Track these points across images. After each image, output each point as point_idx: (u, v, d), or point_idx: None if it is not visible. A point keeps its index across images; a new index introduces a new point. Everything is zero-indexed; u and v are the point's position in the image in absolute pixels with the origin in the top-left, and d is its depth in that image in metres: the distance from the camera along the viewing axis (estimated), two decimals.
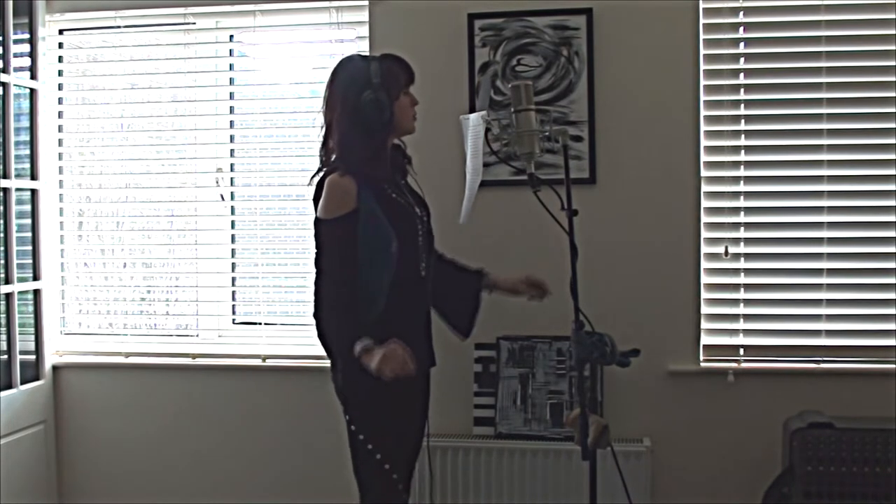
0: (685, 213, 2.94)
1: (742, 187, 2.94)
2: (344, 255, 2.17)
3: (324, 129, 2.32)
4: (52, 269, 3.32)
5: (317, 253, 2.29)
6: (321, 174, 2.28)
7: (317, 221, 2.25)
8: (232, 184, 3.29)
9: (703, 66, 2.92)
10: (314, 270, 2.31)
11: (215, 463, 3.24)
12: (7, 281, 3.10)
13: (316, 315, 2.32)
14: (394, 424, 2.25)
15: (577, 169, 2.90)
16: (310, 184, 2.31)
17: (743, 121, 2.94)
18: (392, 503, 2.23)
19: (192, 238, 3.34)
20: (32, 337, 3.26)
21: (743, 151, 2.94)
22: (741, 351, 2.96)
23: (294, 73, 3.25)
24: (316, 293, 2.32)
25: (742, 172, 2.94)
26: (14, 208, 3.13)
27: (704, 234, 2.95)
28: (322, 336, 2.31)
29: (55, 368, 3.33)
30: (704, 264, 2.95)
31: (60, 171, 3.37)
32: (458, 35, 3.01)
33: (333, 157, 2.28)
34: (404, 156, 2.40)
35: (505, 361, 2.96)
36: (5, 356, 3.11)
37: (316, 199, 2.27)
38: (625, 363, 2.05)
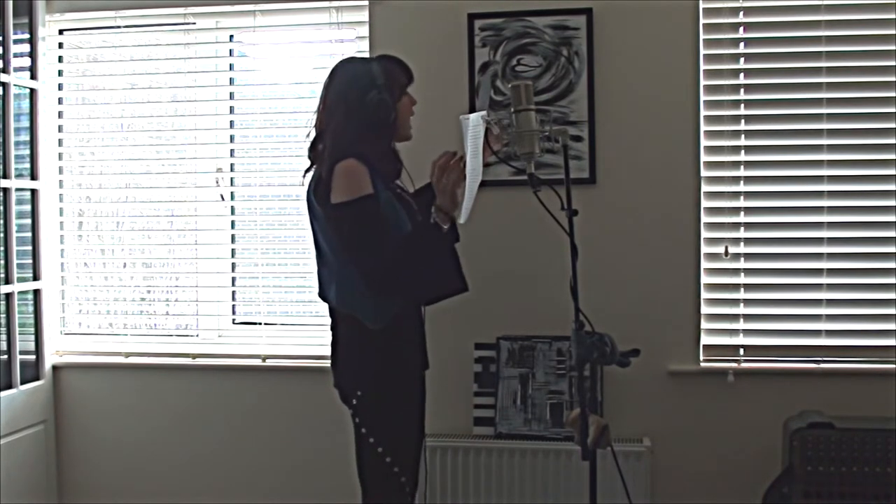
0: (685, 213, 2.94)
1: (742, 187, 2.94)
2: (370, 236, 2.09)
3: (314, 132, 2.28)
4: (52, 269, 3.31)
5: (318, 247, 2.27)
6: (313, 171, 2.26)
7: (333, 207, 2.12)
8: (232, 184, 3.29)
9: (703, 66, 2.92)
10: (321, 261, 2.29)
11: (215, 463, 3.24)
12: (7, 281, 3.10)
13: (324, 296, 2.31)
14: (404, 427, 2.25)
15: (577, 169, 2.90)
16: (304, 177, 2.28)
17: (743, 121, 2.94)
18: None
19: (192, 238, 3.34)
20: (32, 337, 3.26)
21: (743, 151, 2.94)
22: (741, 351, 2.96)
23: (294, 73, 3.25)
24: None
25: (742, 172, 2.94)
26: (14, 208, 3.13)
27: (704, 234, 2.95)
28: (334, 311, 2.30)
29: (55, 368, 3.33)
30: (704, 264, 2.95)
31: (60, 171, 3.37)
32: (458, 35, 3.01)
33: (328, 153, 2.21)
34: (398, 159, 2.39)
35: (505, 361, 2.96)
36: (5, 356, 3.11)
37: (309, 199, 2.23)
38: (625, 363, 2.04)
